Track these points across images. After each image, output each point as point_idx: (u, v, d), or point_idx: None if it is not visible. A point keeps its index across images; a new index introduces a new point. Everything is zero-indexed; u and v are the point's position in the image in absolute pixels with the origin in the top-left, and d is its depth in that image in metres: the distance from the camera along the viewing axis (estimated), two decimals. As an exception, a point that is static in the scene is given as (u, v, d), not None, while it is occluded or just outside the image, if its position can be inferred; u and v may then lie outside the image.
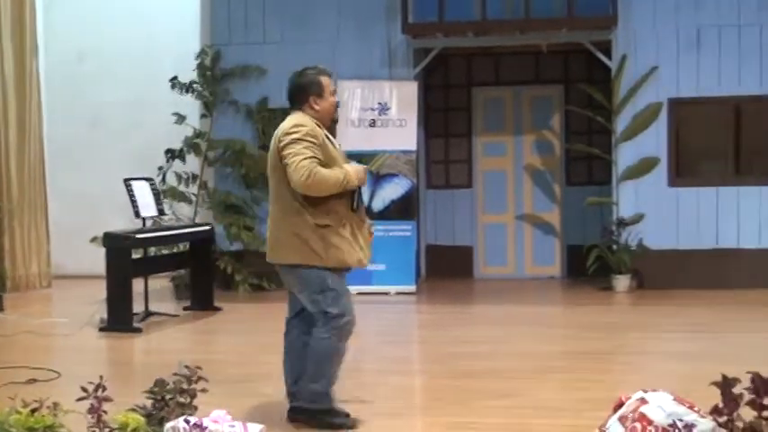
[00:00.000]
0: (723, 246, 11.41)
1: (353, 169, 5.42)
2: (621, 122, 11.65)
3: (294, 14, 12.26)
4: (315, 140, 5.30)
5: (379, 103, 11.94)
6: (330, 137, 5.50)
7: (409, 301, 11.12)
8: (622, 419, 4.14)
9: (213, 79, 12.29)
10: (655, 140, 11.56)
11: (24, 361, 7.36)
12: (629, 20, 11.58)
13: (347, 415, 5.54)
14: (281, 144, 5.33)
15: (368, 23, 12.13)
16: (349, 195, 5.43)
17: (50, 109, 13.24)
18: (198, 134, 12.29)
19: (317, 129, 5.38)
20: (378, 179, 11.82)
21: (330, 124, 5.59)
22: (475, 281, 12.89)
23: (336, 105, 5.59)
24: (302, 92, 5.51)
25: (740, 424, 3.84)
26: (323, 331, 5.40)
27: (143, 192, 9.89)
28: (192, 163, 12.34)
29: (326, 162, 5.31)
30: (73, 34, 13.55)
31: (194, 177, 12.26)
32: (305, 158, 5.20)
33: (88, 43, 13.45)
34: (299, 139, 5.26)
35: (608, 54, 11.71)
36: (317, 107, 5.47)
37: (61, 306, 11.50)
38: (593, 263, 11.47)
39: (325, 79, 5.50)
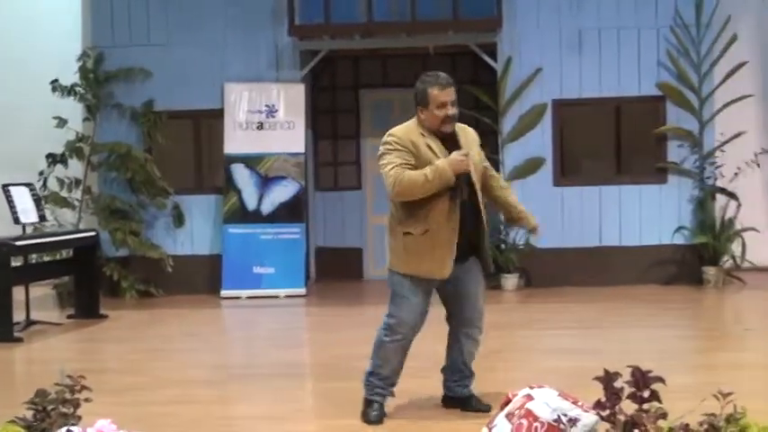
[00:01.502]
0: (606, 244, 11.70)
1: (446, 161, 5.33)
2: (507, 123, 11.84)
3: (180, 16, 12.09)
4: (404, 147, 5.39)
5: (267, 106, 11.88)
6: (432, 145, 5.42)
7: (299, 304, 11.09)
8: (509, 416, 4.20)
9: (96, 82, 12.02)
10: (540, 141, 11.78)
11: None
12: (514, 22, 11.77)
13: (379, 412, 5.59)
14: (378, 156, 5.54)
15: (254, 25, 12.04)
16: (447, 194, 5.38)
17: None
18: (81, 138, 12.00)
19: (414, 135, 5.46)
20: (266, 182, 11.75)
21: (444, 134, 5.49)
22: (365, 282, 12.91)
23: (448, 118, 5.46)
24: (414, 99, 5.63)
25: (622, 417, 3.93)
26: (381, 325, 5.77)
27: (23, 197, 9.61)
28: (75, 167, 12.04)
29: (420, 167, 5.35)
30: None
31: (77, 182, 11.97)
32: (392, 167, 5.36)
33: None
34: (388, 150, 5.46)
35: (493, 56, 11.88)
36: (422, 116, 5.54)
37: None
38: (482, 262, 11.60)
39: (433, 91, 5.47)
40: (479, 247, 5.57)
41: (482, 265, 5.62)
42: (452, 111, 5.45)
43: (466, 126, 5.73)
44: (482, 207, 5.55)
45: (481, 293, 5.70)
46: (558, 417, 4.05)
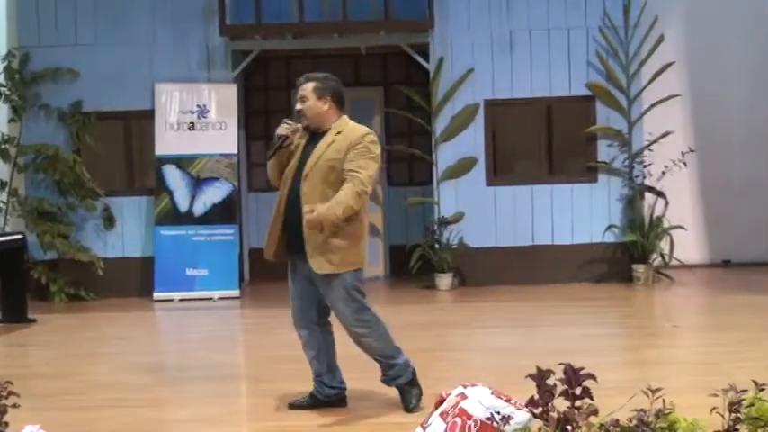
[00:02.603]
0: (539, 242, 11.81)
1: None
2: (440, 124, 11.89)
3: (108, 15, 11.92)
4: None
5: (198, 106, 11.77)
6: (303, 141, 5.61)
7: (233, 306, 11.01)
8: (443, 415, 4.21)
9: (22, 82, 11.79)
10: (473, 141, 11.85)
11: None
12: (445, 23, 11.82)
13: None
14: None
15: (185, 25, 11.92)
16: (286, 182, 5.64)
17: None
18: (6, 139, 11.76)
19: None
20: (198, 183, 11.64)
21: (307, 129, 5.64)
22: (299, 284, 12.83)
23: (298, 112, 5.62)
24: None
25: (555, 414, 3.96)
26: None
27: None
28: (1, 170, 11.81)
29: None
30: None
31: (3, 184, 11.73)
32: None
33: None
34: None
35: (425, 56, 11.92)
36: None
37: None
38: (416, 262, 11.66)
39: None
40: (306, 243, 5.55)
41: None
42: (299, 105, 5.62)
43: (357, 127, 5.63)
44: (304, 202, 5.48)
45: (326, 294, 5.66)
46: (492, 414, 4.07)
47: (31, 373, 7.29)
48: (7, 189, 11.71)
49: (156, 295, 11.37)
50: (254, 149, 13.13)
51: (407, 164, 13.03)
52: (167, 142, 11.73)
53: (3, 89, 11.72)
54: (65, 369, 7.59)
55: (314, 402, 5.88)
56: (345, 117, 5.69)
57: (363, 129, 5.63)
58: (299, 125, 5.65)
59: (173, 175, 11.67)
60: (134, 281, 11.73)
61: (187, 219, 11.59)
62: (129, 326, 9.97)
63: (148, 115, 11.83)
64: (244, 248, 12.56)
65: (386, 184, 13.11)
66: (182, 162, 11.70)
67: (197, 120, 11.78)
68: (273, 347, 8.27)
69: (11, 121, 11.92)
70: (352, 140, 5.51)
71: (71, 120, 11.82)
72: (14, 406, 4.45)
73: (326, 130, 5.60)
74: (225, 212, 11.65)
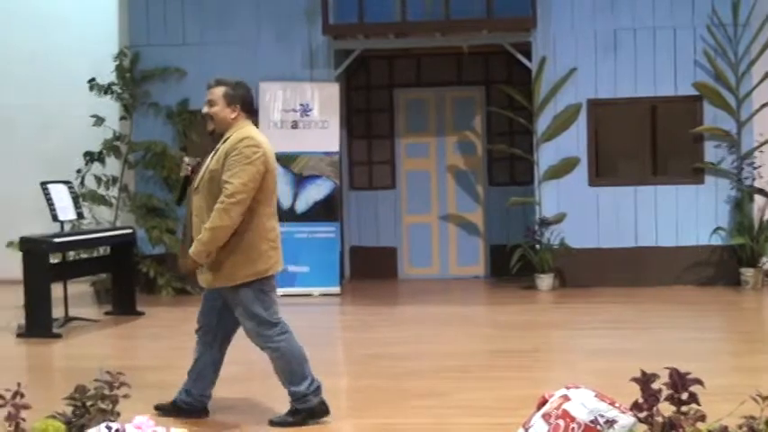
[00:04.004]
0: (642, 244, 11.62)
1: None
2: (542, 123, 11.80)
3: (214, 15, 12.16)
4: None
5: (301, 105, 11.90)
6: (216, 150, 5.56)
7: (333, 303, 11.11)
8: (546, 417, 4.19)
9: (132, 81, 12.12)
10: (575, 141, 11.73)
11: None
12: (548, 22, 11.73)
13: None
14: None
15: (288, 25, 12.08)
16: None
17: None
18: (117, 137, 12.11)
19: None
20: (300, 181, 11.78)
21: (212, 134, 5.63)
22: (399, 282, 12.92)
23: (203, 116, 5.65)
24: None
25: (659, 419, 3.91)
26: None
27: (61, 195, 9.70)
28: (112, 166, 12.16)
29: None
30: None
31: (114, 180, 12.09)
32: None
33: (2, 45, 13.17)
34: None
35: (528, 55, 11.84)
36: None
37: (-23, 313, 11.24)
38: (516, 262, 11.59)
39: None
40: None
41: None
42: (206, 109, 5.55)
43: (239, 135, 5.39)
44: (195, 215, 5.47)
45: (231, 307, 5.59)
46: (596, 418, 4.03)
47: (140, 365, 7.48)
48: (118, 185, 12.05)
49: (259, 291, 11.52)
50: (356, 148, 13.22)
51: (508, 163, 12.96)
52: (270, 140, 11.74)
53: (114, 88, 12.06)
54: (172, 361, 7.76)
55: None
56: (248, 125, 5.53)
57: (244, 133, 5.40)
58: (198, 159, 5.66)
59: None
60: (237, 276, 11.91)
61: (289, 216, 11.72)
62: (232, 320, 10.13)
63: (252, 113, 11.98)
64: (345, 246, 12.65)
65: (486, 183, 13.06)
66: (284, 160, 11.83)
67: (300, 118, 11.91)
68: (372, 345, 8.32)
69: (122, 118, 12.27)
70: (228, 148, 5.35)
71: (178, 117, 12.09)
72: (125, 396, 4.58)
73: (222, 135, 5.52)
74: (326, 210, 11.75)
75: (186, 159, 5.71)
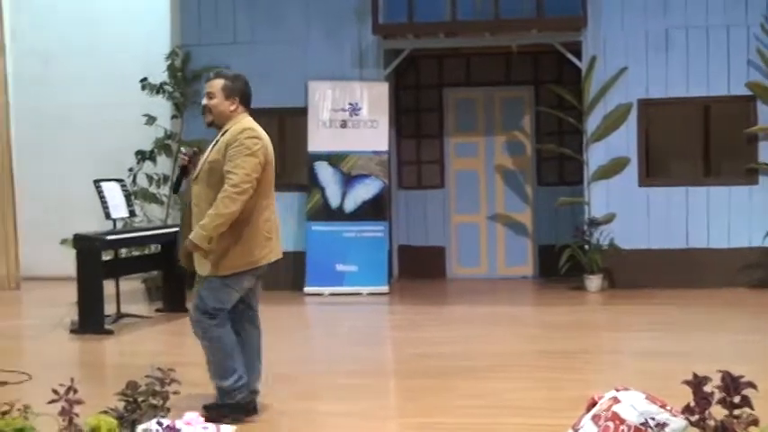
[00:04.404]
0: (693, 245, 11.50)
1: None
2: (592, 123, 11.72)
3: (264, 15, 12.23)
4: None
5: (351, 104, 11.94)
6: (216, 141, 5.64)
7: (381, 302, 11.12)
8: (595, 419, 4.16)
9: (184, 80, 12.24)
10: (625, 140, 11.63)
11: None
12: (599, 21, 11.64)
13: None
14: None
15: (338, 24, 12.12)
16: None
17: (18, 109, 13.15)
18: (169, 135, 12.25)
19: None
20: (349, 180, 11.82)
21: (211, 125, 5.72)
22: (448, 281, 12.90)
23: (203, 107, 5.72)
24: None
25: (712, 422, 3.87)
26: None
27: (113, 193, 9.83)
28: (164, 164, 12.29)
29: None
30: (41, 35, 13.46)
31: (165, 178, 12.21)
32: None
33: (57, 44, 13.37)
34: None
35: (578, 55, 11.77)
36: None
37: (30, 308, 11.42)
38: (565, 263, 11.52)
39: None
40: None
41: None
42: (205, 101, 5.62)
43: (239, 126, 5.49)
44: (194, 204, 5.57)
45: (199, 291, 5.61)
46: (646, 420, 4.00)
47: (190, 362, 7.53)
48: (169, 183, 12.18)
49: (307, 289, 11.60)
50: (405, 147, 13.23)
51: (557, 163, 12.89)
52: (320, 139, 11.95)
53: (166, 87, 12.19)
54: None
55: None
56: (246, 117, 5.61)
57: (244, 125, 5.50)
58: (195, 149, 5.76)
59: (325, 172, 11.88)
60: (286, 275, 11.95)
61: (338, 215, 11.77)
62: (280, 319, 10.19)
63: (302, 112, 12.07)
64: (393, 245, 12.66)
65: (535, 183, 13.00)
66: (333, 159, 11.89)
67: (349, 117, 11.95)
68: (421, 344, 8.33)
69: (173, 117, 12.41)
70: (229, 139, 5.43)
71: (228, 117, 12.16)
72: (176, 393, 4.63)
73: (221, 128, 5.60)
74: (375, 209, 11.78)
75: (183, 149, 5.81)
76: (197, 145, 11.79)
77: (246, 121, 5.57)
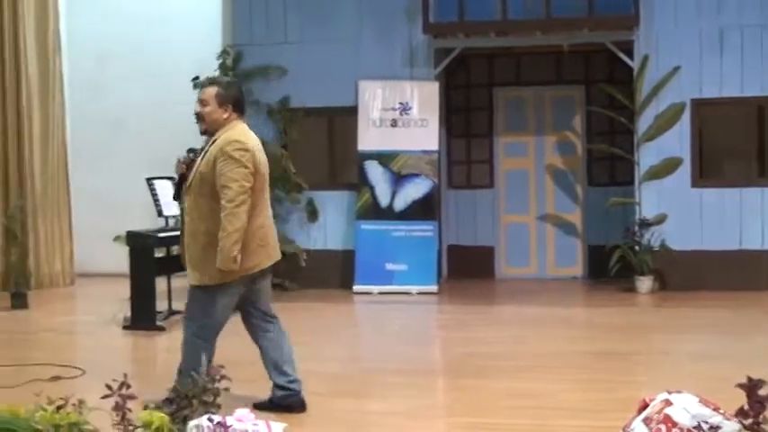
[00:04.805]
0: (747, 247, 11.34)
1: None
2: (644, 123, 11.61)
3: (315, 14, 12.28)
4: None
5: (401, 103, 11.95)
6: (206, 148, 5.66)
7: (431, 301, 11.12)
8: (647, 421, 4.12)
9: (235, 79, 12.30)
10: (677, 141, 11.51)
11: (49, 358, 7.39)
12: (651, 20, 11.53)
13: None
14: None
15: (389, 23, 12.13)
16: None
17: (73, 109, 13.33)
18: (224, 133, 12.31)
19: None
20: (399, 179, 11.83)
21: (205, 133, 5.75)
22: (497, 281, 12.87)
23: (195, 115, 5.75)
24: None
25: (766, 427, 3.82)
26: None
27: (166, 191, 9.91)
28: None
29: None
30: (95, 36, 13.63)
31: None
32: None
33: (110, 45, 13.52)
34: None
35: (630, 54, 11.66)
36: None
37: (85, 304, 11.58)
38: (615, 263, 11.43)
39: None
40: (186, 254, 5.62)
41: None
42: (198, 108, 5.64)
43: (227, 136, 5.50)
44: (186, 214, 5.59)
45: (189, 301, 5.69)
46: (699, 424, 3.96)
47: (240, 359, 7.57)
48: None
49: (356, 288, 11.62)
50: (455, 147, 13.21)
51: (608, 163, 12.79)
52: (370, 138, 11.97)
53: (217, 86, 12.27)
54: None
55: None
56: (239, 125, 5.60)
57: (231, 136, 5.47)
58: (191, 156, 5.71)
59: (374, 171, 11.90)
60: (335, 273, 12.03)
61: (387, 214, 11.79)
62: (329, 317, 10.25)
63: (352, 112, 12.10)
64: (442, 245, 12.65)
65: (586, 183, 12.92)
66: (383, 158, 11.91)
67: (399, 116, 11.96)
68: (469, 344, 8.32)
69: (223, 116, 12.47)
70: (216, 152, 5.43)
71: (279, 115, 12.25)
72: (226, 389, 4.66)
73: (212, 135, 5.60)
74: (425, 209, 11.78)
75: (180, 158, 5.80)
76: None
77: (238, 130, 5.55)
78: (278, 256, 5.73)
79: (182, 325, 5.75)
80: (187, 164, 5.71)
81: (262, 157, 5.57)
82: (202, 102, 5.61)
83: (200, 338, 5.63)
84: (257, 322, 5.88)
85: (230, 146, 5.41)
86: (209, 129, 5.61)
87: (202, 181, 5.47)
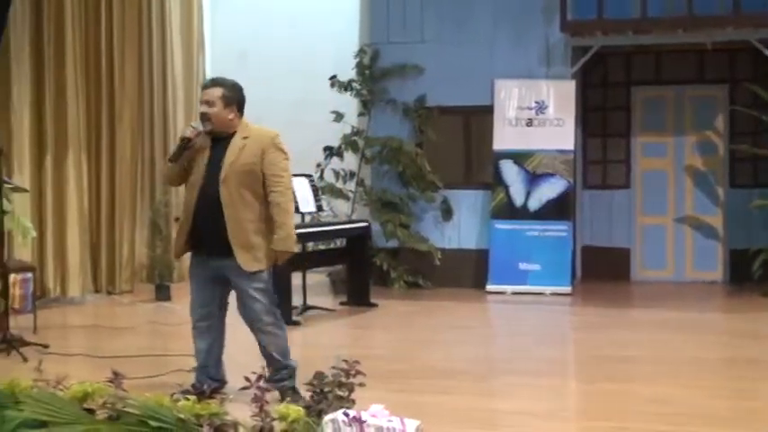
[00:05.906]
0: None
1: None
2: (791, 122, 11.23)
3: (451, 13, 12.30)
4: None
5: (537, 102, 11.88)
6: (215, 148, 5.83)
7: (564, 303, 11.01)
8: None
9: (371, 78, 12.47)
10: (827, 142, 11.09)
11: (190, 350, 7.61)
12: (801, 16, 11.13)
13: None
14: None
15: (525, 22, 12.05)
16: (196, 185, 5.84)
17: (215, 106, 13.68)
18: (356, 132, 12.50)
19: None
20: (534, 178, 11.76)
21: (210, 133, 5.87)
22: (632, 284, 12.64)
23: (201, 115, 5.87)
24: None
25: None
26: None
27: (302, 188, 10.11)
28: (350, 160, 12.55)
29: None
30: (236, 34, 13.97)
31: (352, 175, 12.47)
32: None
33: (251, 43, 13.82)
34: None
35: (776, 52, 11.30)
36: None
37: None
38: (758, 268, 11.08)
39: None
40: (232, 243, 5.69)
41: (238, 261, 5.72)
42: (204, 108, 5.76)
43: (264, 130, 5.91)
44: (226, 204, 5.68)
45: (245, 289, 5.82)
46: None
47: (375, 355, 7.70)
48: (355, 179, 12.44)
49: (490, 287, 11.60)
50: (591, 146, 13.04)
51: (752, 164, 12.40)
52: (505, 137, 11.93)
53: (354, 84, 12.46)
54: (402, 353, 7.98)
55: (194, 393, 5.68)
56: (246, 121, 5.88)
57: (270, 130, 5.88)
58: (203, 129, 5.75)
59: (509, 170, 11.86)
60: (468, 272, 12.03)
61: (522, 213, 11.73)
62: (462, 316, 10.26)
63: (487, 111, 12.08)
64: (576, 245, 12.51)
65: (727, 185, 12.56)
66: (518, 157, 11.86)
67: (535, 116, 11.89)
68: (602, 346, 8.22)
69: (360, 114, 12.65)
70: (264, 144, 5.76)
71: (415, 114, 12.33)
72: (361, 385, 4.74)
73: (230, 135, 5.78)
74: (559, 209, 11.67)
75: (193, 124, 5.90)
76: (384, 142, 12.12)
77: (253, 125, 5.92)
78: None
79: (267, 318, 5.91)
80: (198, 132, 5.82)
81: None
82: (209, 102, 5.80)
83: (280, 321, 6.01)
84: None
85: (276, 139, 5.85)
86: (216, 129, 5.82)
87: (250, 173, 5.73)
